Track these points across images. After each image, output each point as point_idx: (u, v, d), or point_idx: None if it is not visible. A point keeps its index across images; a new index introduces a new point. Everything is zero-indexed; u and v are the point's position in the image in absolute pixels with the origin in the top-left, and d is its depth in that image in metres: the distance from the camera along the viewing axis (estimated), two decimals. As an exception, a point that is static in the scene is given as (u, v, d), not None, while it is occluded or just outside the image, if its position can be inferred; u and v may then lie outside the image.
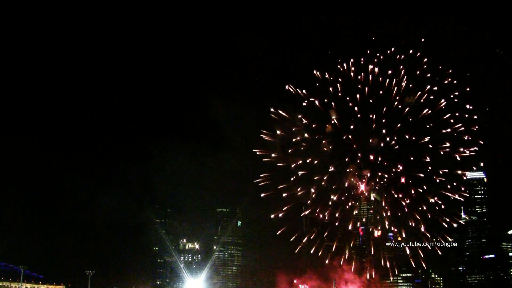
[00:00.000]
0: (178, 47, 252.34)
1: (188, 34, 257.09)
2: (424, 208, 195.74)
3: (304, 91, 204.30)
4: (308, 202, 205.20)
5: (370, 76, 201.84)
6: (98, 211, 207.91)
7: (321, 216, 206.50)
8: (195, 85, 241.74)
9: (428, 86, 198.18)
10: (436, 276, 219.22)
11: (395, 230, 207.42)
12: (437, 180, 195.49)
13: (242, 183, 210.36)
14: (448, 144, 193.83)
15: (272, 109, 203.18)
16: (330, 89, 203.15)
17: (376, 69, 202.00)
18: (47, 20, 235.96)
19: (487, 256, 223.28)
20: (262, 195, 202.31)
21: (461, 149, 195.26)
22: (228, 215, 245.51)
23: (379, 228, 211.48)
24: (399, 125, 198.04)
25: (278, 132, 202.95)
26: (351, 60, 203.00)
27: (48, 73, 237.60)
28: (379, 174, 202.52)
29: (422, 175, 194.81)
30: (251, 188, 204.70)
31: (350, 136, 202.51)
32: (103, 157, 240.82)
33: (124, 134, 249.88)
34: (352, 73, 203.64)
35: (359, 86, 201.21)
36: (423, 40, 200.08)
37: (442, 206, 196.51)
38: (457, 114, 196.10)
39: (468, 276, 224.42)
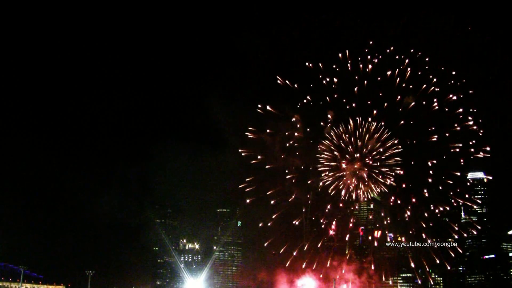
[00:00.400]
0: (178, 47, 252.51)
1: (188, 34, 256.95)
2: (426, 215, 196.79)
3: (300, 88, 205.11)
4: (303, 208, 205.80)
5: (369, 73, 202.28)
6: (98, 211, 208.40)
7: (320, 217, 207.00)
8: (195, 85, 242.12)
9: (432, 83, 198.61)
10: (436, 276, 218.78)
11: (395, 230, 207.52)
12: (440, 187, 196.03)
13: (242, 183, 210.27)
14: (459, 144, 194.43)
15: (266, 107, 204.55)
16: (325, 82, 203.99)
17: (376, 66, 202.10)
18: (47, 20, 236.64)
19: (487, 256, 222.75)
20: (248, 201, 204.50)
21: (472, 150, 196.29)
22: (228, 215, 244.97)
23: (379, 228, 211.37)
24: (402, 122, 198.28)
25: (268, 131, 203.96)
26: (349, 61, 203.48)
27: (48, 73, 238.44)
28: (379, 178, 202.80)
29: (429, 180, 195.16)
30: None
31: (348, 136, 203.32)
32: (103, 157, 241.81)
33: (124, 134, 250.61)
34: (350, 68, 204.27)
35: (356, 88, 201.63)
36: (422, 41, 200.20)
37: (444, 212, 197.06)
38: (460, 116, 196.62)
39: (468, 276, 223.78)
